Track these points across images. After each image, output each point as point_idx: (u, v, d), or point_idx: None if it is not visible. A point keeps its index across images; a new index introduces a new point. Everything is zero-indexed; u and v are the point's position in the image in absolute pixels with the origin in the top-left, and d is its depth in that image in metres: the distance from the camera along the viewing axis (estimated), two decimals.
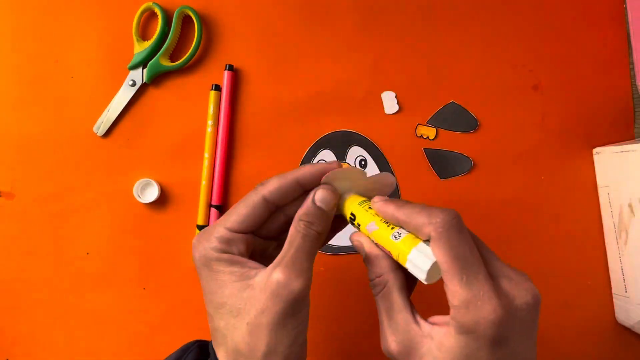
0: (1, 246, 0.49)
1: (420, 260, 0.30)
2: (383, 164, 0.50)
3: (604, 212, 0.50)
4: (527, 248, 0.50)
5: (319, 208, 0.34)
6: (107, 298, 0.49)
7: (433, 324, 0.31)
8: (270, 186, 0.35)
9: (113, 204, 0.50)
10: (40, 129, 0.49)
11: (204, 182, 0.49)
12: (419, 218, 0.30)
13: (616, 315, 0.50)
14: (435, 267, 0.29)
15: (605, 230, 0.50)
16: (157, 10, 0.49)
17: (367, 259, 0.34)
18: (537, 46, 0.51)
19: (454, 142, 0.50)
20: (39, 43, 0.50)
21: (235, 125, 0.50)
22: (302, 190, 0.36)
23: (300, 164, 0.50)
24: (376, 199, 0.34)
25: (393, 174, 0.50)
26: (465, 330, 0.29)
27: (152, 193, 0.49)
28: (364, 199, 0.35)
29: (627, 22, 0.51)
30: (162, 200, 0.50)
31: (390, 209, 0.32)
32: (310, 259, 0.33)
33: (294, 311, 0.32)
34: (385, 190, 0.36)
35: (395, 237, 0.32)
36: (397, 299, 0.32)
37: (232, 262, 0.34)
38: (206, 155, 0.49)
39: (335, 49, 0.50)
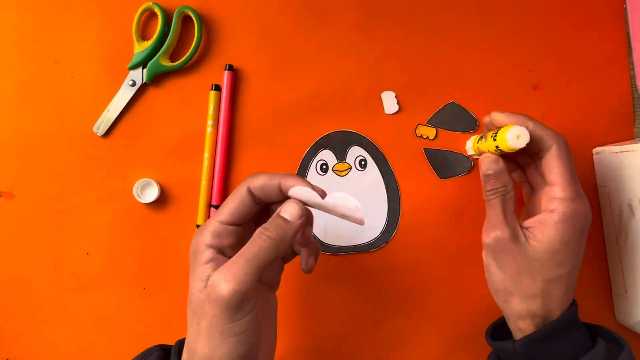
0: (1, 246, 0.49)
1: (514, 130, 0.39)
2: (383, 164, 0.50)
3: (603, 212, 0.50)
4: None
5: (281, 218, 0.36)
6: (107, 298, 0.49)
7: (529, 227, 0.40)
8: (256, 181, 0.38)
9: (113, 204, 0.50)
10: (40, 129, 0.49)
11: (203, 182, 0.49)
12: (546, 130, 0.40)
13: (616, 315, 0.50)
14: (524, 134, 0.39)
15: (605, 230, 0.50)
16: (157, 10, 0.49)
17: (500, 172, 0.41)
18: (537, 46, 0.51)
19: (454, 142, 0.50)
20: (39, 43, 0.50)
21: (235, 125, 0.50)
22: (283, 195, 0.38)
23: (300, 164, 0.50)
24: (497, 112, 0.43)
25: (393, 174, 0.50)
26: (566, 218, 0.38)
27: (152, 193, 0.49)
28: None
29: (627, 22, 0.51)
30: (162, 200, 0.50)
31: (519, 118, 0.41)
32: (253, 265, 0.34)
33: (228, 318, 0.33)
34: (351, 213, 0.38)
35: (494, 134, 0.42)
36: (512, 206, 0.41)
37: (210, 259, 0.36)
38: (206, 155, 0.49)
39: (335, 49, 0.50)
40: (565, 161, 0.40)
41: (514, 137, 0.39)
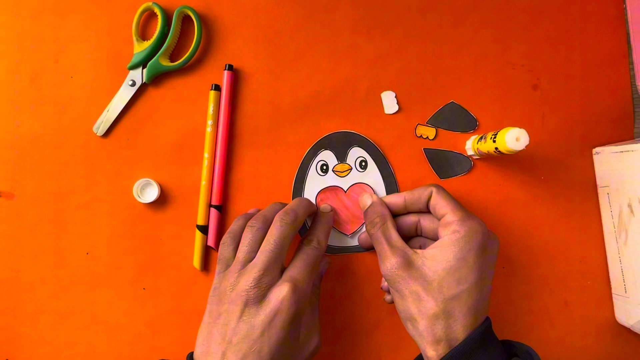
0: (1, 246, 0.49)
1: (513, 132, 0.40)
2: (383, 164, 0.50)
3: (603, 212, 0.50)
4: (526, 248, 0.50)
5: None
6: (107, 298, 0.49)
7: (423, 250, 0.41)
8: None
9: (113, 204, 0.50)
10: (40, 129, 0.49)
11: (203, 182, 0.49)
12: (418, 189, 0.45)
13: (616, 315, 0.50)
14: (523, 135, 0.39)
15: (605, 230, 0.50)
16: (157, 10, 0.48)
17: (372, 205, 0.46)
18: (537, 46, 0.51)
19: (453, 142, 0.50)
20: (39, 43, 0.50)
21: (235, 125, 0.50)
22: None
23: (300, 165, 0.50)
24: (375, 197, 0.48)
25: (393, 174, 0.50)
26: (461, 235, 0.40)
27: (152, 193, 0.49)
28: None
29: (627, 22, 0.51)
30: (162, 200, 0.50)
31: (394, 199, 0.47)
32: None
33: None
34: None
35: (493, 136, 0.42)
36: (394, 233, 0.43)
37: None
38: (206, 155, 0.49)
39: (335, 49, 0.50)
40: (447, 196, 0.43)
41: (514, 139, 0.39)
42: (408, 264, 0.40)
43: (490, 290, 0.41)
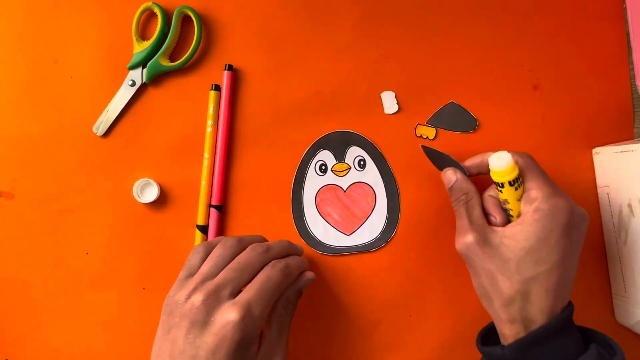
0: (1, 246, 0.49)
1: (495, 155, 0.41)
2: (382, 164, 0.50)
3: (603, 212, 0.50)
4: None
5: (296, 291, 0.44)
6: (107, 298, 0.49)
7: (505, 228, 0.40)
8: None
9: (113, 204, 0.50)
10: (40, 129, 0.50)
11: (203, 182, 0.49)
12: (514, 155, 0.41)
13: (616, 315, 0.50)
14: (504, 156, 0.40)
15: (605, 230, 0.50)
16: (157, 10, 0.49)
17: (458, 181, 0.44)
18: (537, 46, 0.51)
19: (453, 142, 0.50)
20: (39, 43, 0.50)
21: (235, 125, 0.50)
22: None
23: (299, 165, 0.50)
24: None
25: (392, 174, 0.50)
26: (545, 214, 0.38)
27: (151, 193, 0.49)
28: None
29: (627, 22, 0.51)
30: (162, 200, 0.50)
31: (481, 156, 0.44)
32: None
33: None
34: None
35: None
36: (478, 210, 0.42)
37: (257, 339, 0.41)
38: (206, 155, 0.49)
39: (335, 49, 0.50)
40: (535, 168, 0.41)
41: (496, 159, 0.40)
42: (484, 241, 0.39)
43: (575, 271, 0.40)
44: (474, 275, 0.41)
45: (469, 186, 0.43)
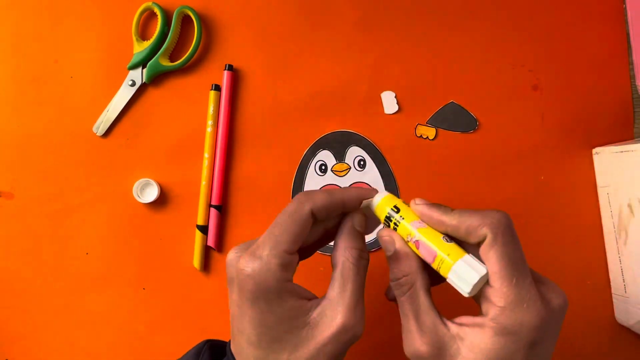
0: (1, 246, 0.49)
1: (466, 272, 0.30)
2: (382, 164, 0.50)
3: (603, 212, 0.50)
4: (526, 248, 0.50)
5: (362, 234, 0.33)
6: (106, 298, 0.49)
7: (461, 324, 0.32)
8: (319, 201, 0.33)
9: (113, 204, 0.50)
10: (40, 129, 0.50)
11: (203, 182, 0.49)
12: (471, 219, 0.31)
13: (616, 315, 0.50)
14: (480, 281, 0.30)
15: (605, 230, 0.50)
16: (157, 10, 0.49)
17: (395, 257, 0.34)
18: (537, 46, 0.51)
19: (453, 142, 0.50)
20: (39, 43, 0.50)
21: (235, 125, 0.50)
22: (342, 211, 0.34)
23: (299, 165, 0.50)
24: (418, 200, 0.34)
25: (392, 174, 0.50)
26: (506, 332, 0.29)
27: (151, 193, 0.49)
28: (400, 200, 0.35)
29: (627, 22, 0.51)
30: (162, 200, 0.50)
31: (436, 213, 0.32)
32: (363, 295, 0.33)
33: (345, 352, 0.32)
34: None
35: (447, 240, 0.32)
36: (424, 300, 0.33)
37: (291, 294, 0.32)
38: (206, 155, 0.49)
39: (335, 49, 0.50)
40: (503, 253, 0.30)
41: (461, 280, 0.31)
42: (439, 352, 0.31)
43: None
44: None
45: (412, 264, 0.33)
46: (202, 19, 0.50)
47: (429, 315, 0.32)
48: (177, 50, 0.50)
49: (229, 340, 0.35)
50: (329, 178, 0.50)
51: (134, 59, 0.49)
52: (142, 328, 0.50)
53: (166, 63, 0.49)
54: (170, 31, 0.49)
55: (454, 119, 0.50)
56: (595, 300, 0.50)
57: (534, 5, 0.51)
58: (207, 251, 0.50)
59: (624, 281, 0.48)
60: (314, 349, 0.31)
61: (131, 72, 0.49)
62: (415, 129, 0.50)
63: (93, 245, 0.50)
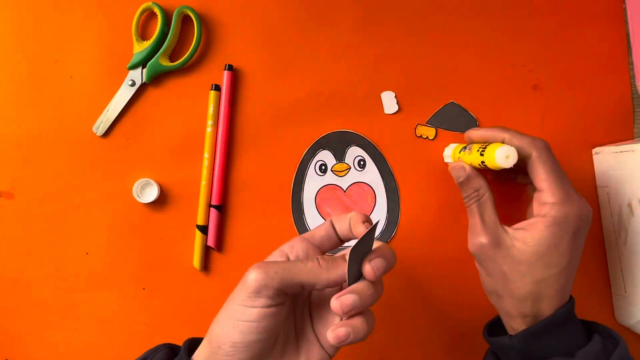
0: (1, 246, 0.49)
1: (504, 150, 0.39)
2: (382, 164, 0.50)
3: (603, 212, 0.50)
4: None
5: (342, 259, 0.37)
6: (107, 298, 0.49)
7: (516, 228, 0.40)
8: (342, 220, 0.39)
9: (113, 203, 0.50)
10: (40, 129, 0.50)
11: (203, 182, 0.49)
12: (523, 139, 0.40)
13: (616, 315, 0.50)
14: (513, 154, 0.39)
15: (605, 230, 0.50)
16: (157, 10, 0.49)
17: (467, 178, 0.42)
18: (537, 46, 0.51)
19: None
20: (39, 43, 0.50)
21: (235, 125, 0.50)
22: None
23: (299, 165, 0.50)
24: (472, 130, 0.45)
25: (392, 174, 0.50)
26: (555, 222, 0.38)
27: (151, 193, 0.49)
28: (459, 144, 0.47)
29: (627, 22, 0.51)
30: (162, 200, 0.50)
31: (495, 131, 0.42)
32: (287, 271, 0.35)
33: (241, 299, 0.35)
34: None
35: (482, 149, 0.41)
36: (490, 207, 0.42)
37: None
38: (206, 155, 0.49)
39: (335, 49, 0.50)
40: (549, 165, 0.40)
41: (503, 157, 0.39)
42: (497, 244, 0.40)
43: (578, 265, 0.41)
44: (485, 274, 0.42)
45: (480, 182, 0.42)
46: (202, 19, 0.50)
47: (491, 217, 0.41)
48: (177, 50, 0.50)
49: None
50: (329, 178, 0.50)
51: (134, 59, 0.49)
52: (142, 328, 0.50)
53: (166, 63, 0.49)
54: (170, 31, 0.49)
55: (454, 119, 0.50)
56: (595, 300, 0.50)
57: (534, 5, 0.51)
58: (207, 251, 0.50)
59: (623, 281, 0.48)
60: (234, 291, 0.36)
61: (131, 72, 0.49)
62: (415, 129, 0.50)
63: (93, 245, 0.50)
